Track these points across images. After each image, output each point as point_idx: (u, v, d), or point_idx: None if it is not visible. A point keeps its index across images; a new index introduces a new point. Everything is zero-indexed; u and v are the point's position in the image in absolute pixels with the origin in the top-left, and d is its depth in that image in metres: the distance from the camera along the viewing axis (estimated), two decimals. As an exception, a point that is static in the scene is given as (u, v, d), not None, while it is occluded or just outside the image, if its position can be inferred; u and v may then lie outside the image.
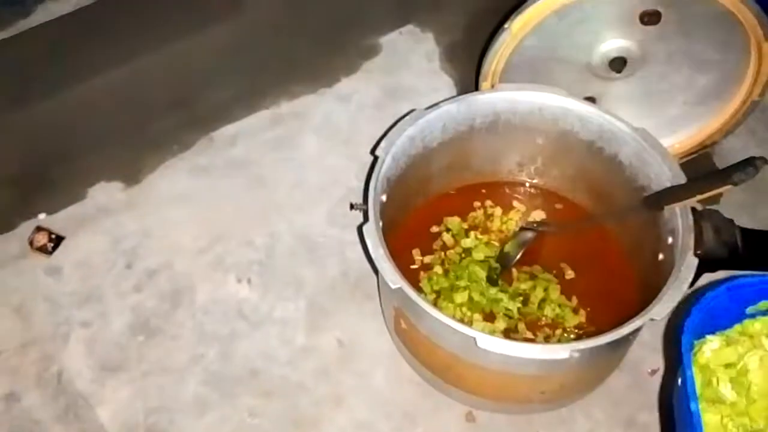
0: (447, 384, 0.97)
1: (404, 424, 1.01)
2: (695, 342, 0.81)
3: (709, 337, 0.82)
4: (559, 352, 0.79)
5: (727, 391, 0.79)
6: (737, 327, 0.84)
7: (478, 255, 1.07)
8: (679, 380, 0.75)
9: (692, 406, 0.71)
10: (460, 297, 1.02)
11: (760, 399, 0.79)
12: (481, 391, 0.95)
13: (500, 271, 1.05)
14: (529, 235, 1.06)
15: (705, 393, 0.80)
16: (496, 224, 1.11)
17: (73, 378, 1.05)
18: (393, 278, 0.84)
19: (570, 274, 1.07)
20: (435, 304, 1.02)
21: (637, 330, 0.83)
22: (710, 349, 0.81)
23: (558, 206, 1.14)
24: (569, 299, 1.04)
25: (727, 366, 0.81)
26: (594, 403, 1.02)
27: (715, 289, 0.80)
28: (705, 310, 0.78)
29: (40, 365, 1.06)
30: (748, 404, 0.79)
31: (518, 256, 1.05)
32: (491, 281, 1.04)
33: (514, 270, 1.06)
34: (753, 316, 0.83)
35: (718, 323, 0.82)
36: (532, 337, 1.01)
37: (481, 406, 1.00)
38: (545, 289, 1.04)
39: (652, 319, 0.81)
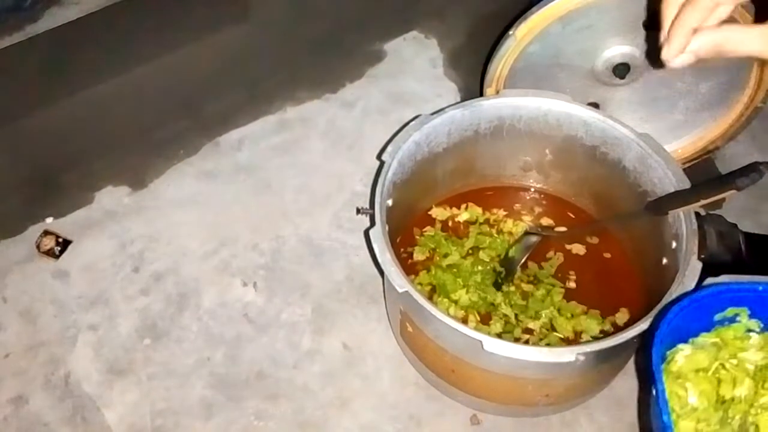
0: (452, 387, 0.97)
1: (409, 426, 1.01)
2: (667, 352, 0.82)
3: (680, 345, 0.82)
4: (565, 355, 0.79)
5: (695, 399, 0.80)
6: (707, 335, 0.84)
7: (484, 255, 1.08)
8: (654, 391, 0.76)
9: (665, 418, 0.72)
10: (458, 295, 1.03)
11: (729, 404, 0.80)
12: (486, 394, 0.95)
13: (504, 275, 1.06)
14: (534, 239, 1.07)
15: (680, 401, 0.81)
16: (508, 226, 1.12)
17: (80, 380, 1.06)
18: (400, 282, 0.85)
19: (572, 284, 1.07)
20: (429, 297, 1.02)
21: (642, 334, 0.84)
22: (683, 356, 0.82)
23: (562, 211, 1.15)
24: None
25: (698, 371, 0.82)
26: (598, 407, 1.02)
27: (682, 301, 0.80)
28: (674, 322, 0.78)
29: (47, 368, 1.07)
30: (717, 410, 0.80)
31: (523, 261, 1.05)
32: (496, 285, 1.05)
33: (518, 270, 1.06)
34: (721, 323, 0.84)
35: (688, 332, 0.83)
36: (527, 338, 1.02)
37: (486, 409, 1.00)
38: (548, 292, 1.05)
39: (656, 323, 0.82)
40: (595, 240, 1.10)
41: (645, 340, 0.81)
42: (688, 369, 0.81)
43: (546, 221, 1.13)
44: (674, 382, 0.80)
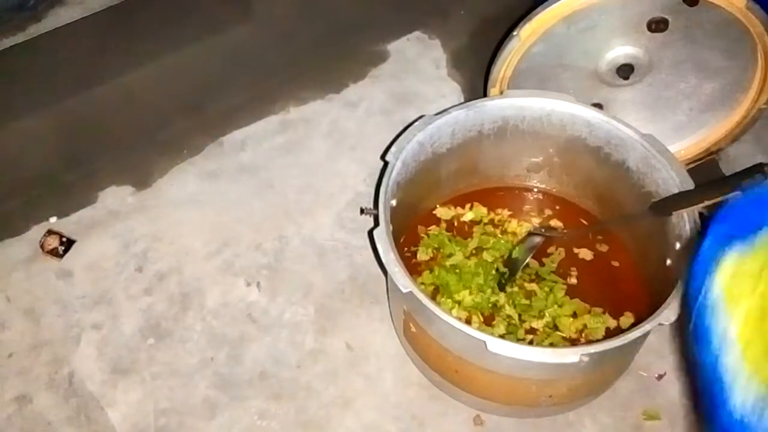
0: (455, 387, 0.97)
1: (412, 427, 1.01)
2: (717, 252, 0.74)
3: (731, 248, 0.74)
4: (569, 356, 0.79)
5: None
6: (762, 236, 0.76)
7: (488, 256, 1.08)
8: (702, 296, 0.67)
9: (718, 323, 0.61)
10: (461, 296, 1.04)
11: None
12: (489, 394, 0.95)
13: (508, 276, 1.06)
14: (537, 240, 1.07)
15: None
16: (512, 226, 1.12)
17: (84, 380, 1.06)
18: (404, 282, 0.85)
19: (574, 280, 1.07)
20: (432, 298, 1.02)
21: (645, 335, 0.84)
22: (731, 261, 0.73)
23: (566, 212, 1.15)
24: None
25: (750, 277, 0.74)
26: (601, 407, 1.02)
27: (740, 199, 0.72)
28: (731, 218, 0.70)
29: (51, 367, 1.07)
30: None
31: (526, 261, 1.05)
32: (500, 286, 1.05)
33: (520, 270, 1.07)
34: None
35: (741, 233, 0.74)
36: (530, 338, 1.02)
37: (490, 409, 1.00)
38: (550, 289, 1.05)
39: (660, 324, 0.82)
40: (604, 248, 1.10)
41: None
42: (736, 275, 0.72)
43: (549, 222, 1.13)
44: (726, 286, 0.66)
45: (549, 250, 1.09)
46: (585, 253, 1.10)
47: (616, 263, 1.09)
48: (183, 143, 1.30)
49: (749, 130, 1.17)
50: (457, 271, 1.06)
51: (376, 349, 1.08)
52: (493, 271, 1.07)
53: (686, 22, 1.03)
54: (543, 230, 1.09)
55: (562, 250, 1.10)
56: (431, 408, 1.03)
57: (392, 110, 1.35)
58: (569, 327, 1.02)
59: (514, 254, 1.07)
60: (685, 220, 0.91)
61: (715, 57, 1.08)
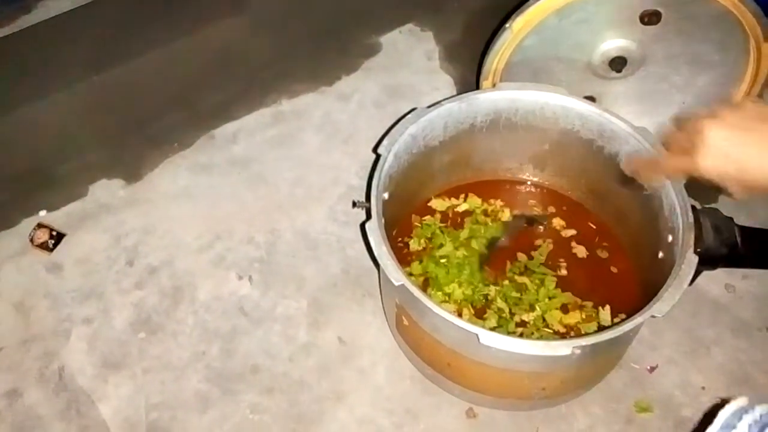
0: (448, 380, 0.97)
1: (405, 420, 1.01)
2: None
3: None
4: (561, 348, 0.79)
5: None
6: None
7: (476, 244, 1.08)
8: None
9: None
10: (451, 288, 1.03)
11: None
12: (482, 387, 0.95)
13: (487, 256, 1.06)
14: (520, 222, 1.07)
15: None
16: (505, 216, 1.12)
17: (74, 374, 1.05)
18: (396, 275, 0.85)
19: (564, 272, 1.07)
20: (423, 290, 1.02)
21: (638, 327, 0.84)
22: None
23: (558, 204, 1.15)
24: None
25: None
26: (593, 400, 1.02)
27: None
28: None
29: (41, 362, 1.06)
30: None
31: (503, 239, 1.05)
32: (480, 267, 1.05)
33: (507, 262, 1.07)
34: None
35: None
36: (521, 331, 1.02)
37: (482, 402, 1.00)
38: (541, 282, 1.05)
39: (653, 316, 0.82)
40: (605, 254, 1.10)
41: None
42: None
43: (541, 214, 1.13)
44: None
45: (537, 243, 1.09)
46: (580, 251, 1.10)
47: (614, 269, 1.08)
48: (174, 136, 1.29)
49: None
50: (446, 263, 1.06)
51: (369, 343, 1.08)
52: (478, 256, 1.07)
53: (679, 15, 1.03)
54: (527, 217, 1.10)
55: (549, 241, 1.10)
56: (424, 401, 1.03)
57: (385, 103, 1.35)
58: (559, 321, 1.02)
59: (493, 233, 1.07)
60: (677, 213, 0.91)
61: (708, 50, 1.08)
